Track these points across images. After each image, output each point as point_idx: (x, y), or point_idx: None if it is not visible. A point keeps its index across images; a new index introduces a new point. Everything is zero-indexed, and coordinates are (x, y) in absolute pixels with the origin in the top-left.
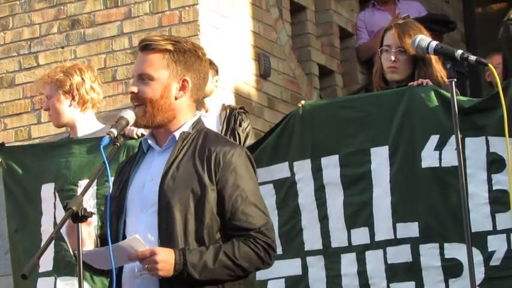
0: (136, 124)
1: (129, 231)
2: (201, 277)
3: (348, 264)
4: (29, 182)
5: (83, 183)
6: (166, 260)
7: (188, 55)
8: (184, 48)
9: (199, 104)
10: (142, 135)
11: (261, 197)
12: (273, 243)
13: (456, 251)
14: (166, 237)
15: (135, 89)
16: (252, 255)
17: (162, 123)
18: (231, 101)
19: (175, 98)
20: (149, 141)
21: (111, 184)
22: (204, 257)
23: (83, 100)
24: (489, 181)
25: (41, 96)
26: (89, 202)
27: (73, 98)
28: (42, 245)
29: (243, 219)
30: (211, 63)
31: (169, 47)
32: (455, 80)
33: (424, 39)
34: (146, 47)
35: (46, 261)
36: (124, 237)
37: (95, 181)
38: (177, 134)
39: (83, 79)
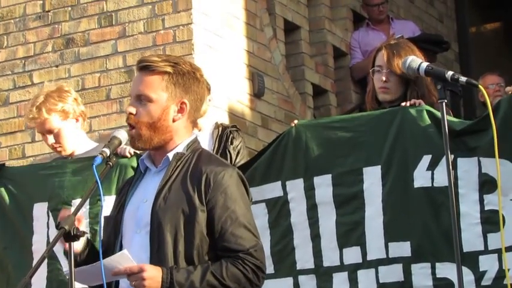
0: (134, 146)
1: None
2: None
3: (340, 283)
4: (22, 201)
5: (76, 202)
6: (153, 277)
7: (187, 77)
8: (183, 70)
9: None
10: (136, 153)
11: (252, 218)
12: (262, 264)
13: (448, 270)
14: (157, 258)
15: (133, 110)
16: (240, 277)
17: (159, 145)
18: (225, 120)
19: (173, 120)
20: (146, 162)
21: (103, 203)
22: (191, 276)
23: (83, 118)
24: (481, 201)
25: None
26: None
27: (77, 119)
28: (34, 264)
29: (232, 240)
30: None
31: (169, 69)
32: (445, 101)
33: (415, 60)
34: (145, 68)
35: (39, 281)
36: None
37: (88, 200)
38: (170, 155)
39: (75, 98)
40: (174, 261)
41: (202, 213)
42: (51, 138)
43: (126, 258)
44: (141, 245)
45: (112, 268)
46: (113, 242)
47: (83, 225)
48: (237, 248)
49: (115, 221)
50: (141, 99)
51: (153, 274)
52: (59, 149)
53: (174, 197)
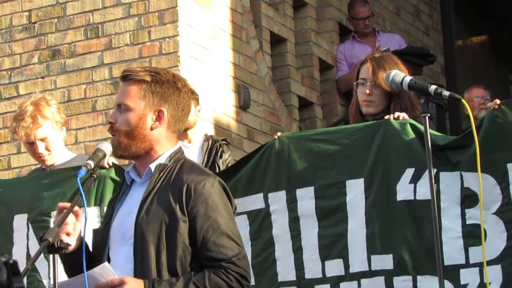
0: (115, 155)
1: (111, 263)
2: None
3: None
4: (2, 212)
5: (55, 213)
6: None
7: (166, 86)
8: (162, 79)
9: (182, 135)
10: (114, 164)
11: (235, 226)
12: (246, 273)
13: (429, 283)
14: (141, 269)
15: (112, 119)
16: (223, 286)
17: (138, 154)
18: (211, 132)
19: (151, 129)
20: (131, 174)
21: (87, 215)
22: None
23: (65, 125)
24: (463, 215)
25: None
26: None
27: (61, 128)
28: None
29: (214, 250)
30: (192, 92)
31: (147, 77)
32: (428, 114)
33: (398, 74)
34: (126, 77)
35: None
36: None
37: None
38: (152, 166)
39: (58, 107)
40: (157, 272)
41: (184, 224)
42: (41, 147)
43: (107, 271)
44: (126, 256)
45: (94, 280)
46: (101, 253)
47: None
48: (220, 257)
49: (103, 234)
50: (121, 108)
51: (135, 286)
52: (46, 158)
53: (156, 209)
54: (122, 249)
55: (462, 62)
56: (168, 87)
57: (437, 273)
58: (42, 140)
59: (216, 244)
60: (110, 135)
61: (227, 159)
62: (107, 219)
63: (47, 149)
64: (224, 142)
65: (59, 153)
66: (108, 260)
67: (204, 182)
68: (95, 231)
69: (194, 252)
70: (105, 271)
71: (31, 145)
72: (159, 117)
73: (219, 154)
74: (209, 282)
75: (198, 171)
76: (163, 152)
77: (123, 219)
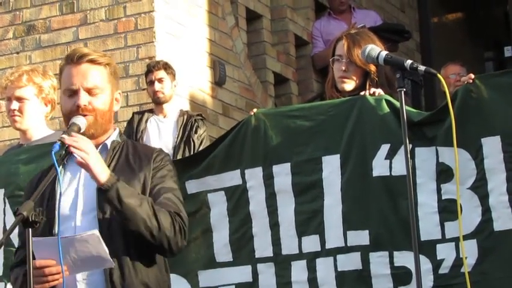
0: (85, 134)
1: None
2: (126, 204)
3: (299, 271)
4: None
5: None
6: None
7: (116, 68)
8: (111, 62)
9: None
10: None
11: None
12: (186, 231)
13: (405, 259)
14: (108, 235)
15: (86, 102)
16: (169, 221)
17: (102, 134)
18: (186, 108)
19: (113, 111)
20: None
21: (62, 189)
22: (133, 192)
23: (53, 106)
24: (438, 190)
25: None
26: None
27: (46, 104)
28: None
29: (164, 202)
30: (169, 67)
31: (107, 61)
32: (404, 89)
33: (374, 49)
34: (91, 61)
35: None
36: None
37: None
38: (108, 142)
39: (54, 86)
40: (124, 238)
41: (145, 192)
42: (15, 105)
43: (95, 240)
44: (89, 229)
45: (73, 249)
46: (47, 230)
47: None
48: (169, 209)
49: (47, 211)
50: (91, 91)
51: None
52: (17, 118)
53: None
54: (82, 223)
55: (438, 39)
56: (116, 69)
57: (413, 248)
58: (19, 99)
59: (168, 199)
60: (78, 114)
61: (202, 134)
62: (48, 197)
63: (20, 111)
64: (199, 117)
65: (32, 123)
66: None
67: (163, 155)
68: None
69: None
70: (92, 239)
71: (9, 101)
72: (117, 99)
73: (194, 129)
74: (159, 210)
75: (150, 148)
76: (111, 131)
77: (77, 192)
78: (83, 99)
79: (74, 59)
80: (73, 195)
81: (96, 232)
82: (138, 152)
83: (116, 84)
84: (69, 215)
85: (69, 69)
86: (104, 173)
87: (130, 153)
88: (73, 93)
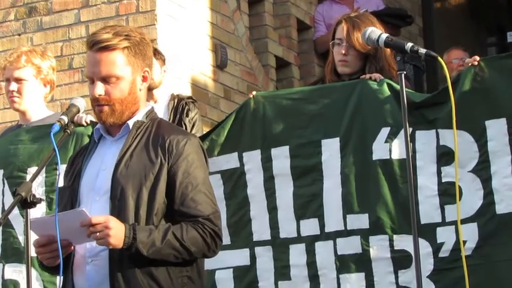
0: (105, 122)
1: None
2: (149, 254)
3: (297, 255)
4: None
5: (31, 170)
6: (118, 228)
7: (142, 45)
8: (136, 39)
9: (148, 95)
10: (92, 122)
11: (211, 186)
12: (220, 232)
13: (405, 242)
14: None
15: (101, 92)
16: (199, 240)
17: (129, 118)
18: (188, 91)
19: (140, 90)
20: (101, 131)
21: (60, 171)
22: (153, 234)
23: (52, 87)
24: (438, 173)
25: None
26: (37, 190)
27: (45, 85)
28: None
29: (192, 206)
30: (158, 53)
31: (126, 43)
32: (404, 72)
33: (374, 31)
34: (104, 48)
35: None
36: None
37: (44, 169)
38: (130, 123)
39: (53, 66)
40: (135, 221)
41: (164, 180)
42: (14, 86)
43: (83, 215)
44: (101, 211)
45: (69, 223)
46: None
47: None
48: (197, 213)
49: (71, 190)
50: (107, 79)
51: (118, 226)
52: (15, 99)
53: (137, 164)
54: (95, 204)
55: (440, 24)
56: (143, 45)
57: (413, 232)
58: (18, 80)
59: (194, 201)
60: (87, 93)
61: (193, 117)
62: (75, 176)
63: (19, 92)
64: (190, 100)
65: (31, 104)
66: None
67: (185, 140)
68: (60, 189)
69: (170, 208)
70: (82, 215)
71: (8, 82)
72: (144, 77)
73: (185, 112)
74: (186, 234)
75: (178, 131)
76: (139, 111)
77: (97, 174)
78: (98, 90)
79: (90, 45)
80: (93, 176)
81: (84, 209)
82: (159, 136)
83: (141, 62)
84: (86, 195)
85: (88, 55)
86: (120, 241)
87: (152, 136)
88: (92, 81)
